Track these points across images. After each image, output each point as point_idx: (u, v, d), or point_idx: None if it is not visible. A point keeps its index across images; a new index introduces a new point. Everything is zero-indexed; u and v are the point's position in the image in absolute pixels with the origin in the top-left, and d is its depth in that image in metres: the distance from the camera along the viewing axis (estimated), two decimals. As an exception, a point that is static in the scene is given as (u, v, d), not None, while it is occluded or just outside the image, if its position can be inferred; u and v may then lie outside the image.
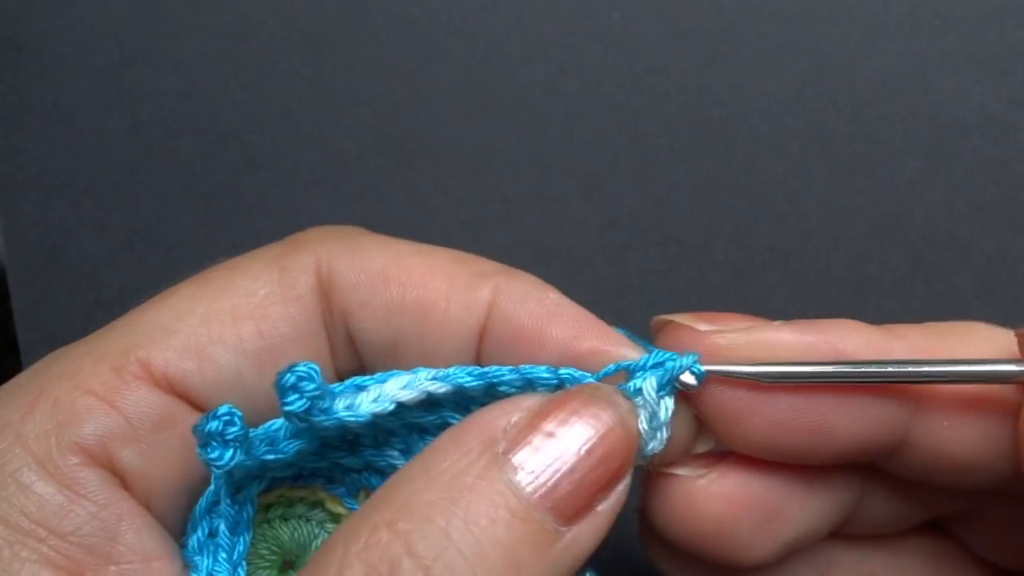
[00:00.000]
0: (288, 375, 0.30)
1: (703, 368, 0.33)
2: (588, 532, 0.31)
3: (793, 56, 0.51)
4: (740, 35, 0.51)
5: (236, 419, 0.31)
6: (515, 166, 0.52)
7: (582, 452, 0.31)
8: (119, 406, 0.32)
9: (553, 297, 0.35)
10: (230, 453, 0.31)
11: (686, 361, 0.33)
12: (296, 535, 0.36)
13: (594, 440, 0.31)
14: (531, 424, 0.31)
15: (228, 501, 0.33)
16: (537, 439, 0.30)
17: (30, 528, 0.30)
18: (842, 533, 0.37)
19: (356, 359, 0.35)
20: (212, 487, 0.33)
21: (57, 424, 0.32)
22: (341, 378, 0.34)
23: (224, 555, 0.33)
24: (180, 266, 0.54)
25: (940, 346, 0.34)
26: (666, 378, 0.33)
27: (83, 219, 0.54)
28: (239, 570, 0.34)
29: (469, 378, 0.33)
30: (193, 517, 0.33)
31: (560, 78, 0.52)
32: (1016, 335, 0.33)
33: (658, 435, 0.33)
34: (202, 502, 0.33)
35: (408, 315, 0.34)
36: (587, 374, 0.33)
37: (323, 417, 0.31)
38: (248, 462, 0.32)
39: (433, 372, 0.33)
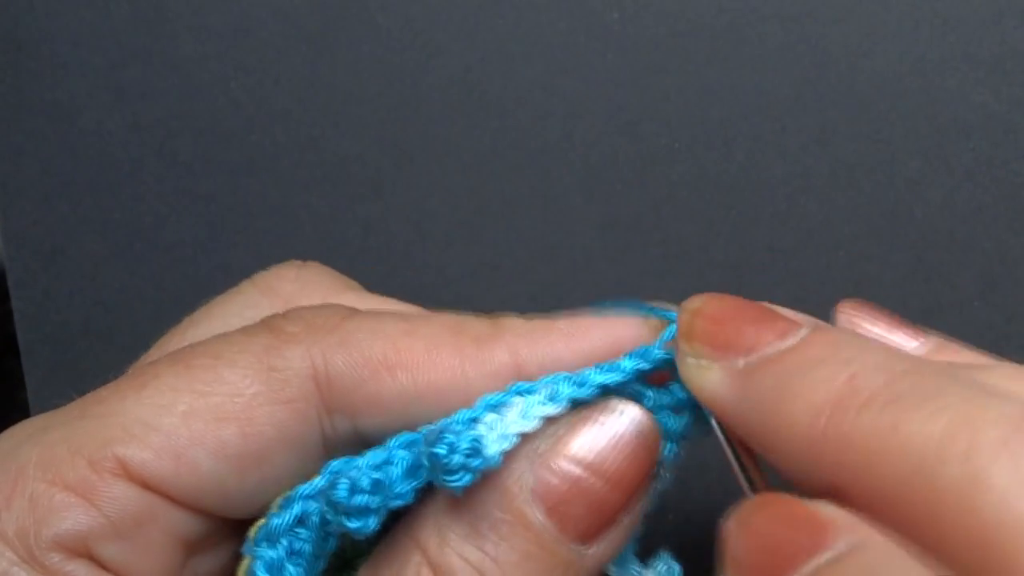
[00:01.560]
0: (454, 456, 0.30)
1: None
2: (612, 541, 0.32)
3: (793, 56, 0.51)
4: (740, 35, 0.51)
5: (382, 484, 0.31)
6: (515, 166, 0.52)
7: (608, 479, 0.31)
8: (98, 504, 0.32)
9: (561, 324, 0.34)
10: (374, 520, 0.31)
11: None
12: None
13: (619, 464, 0.31)
14: (556, 451, 0.31)
15: (320, 532, 0.33)
16: (562, 469, 0.31)
17: None
18: None
19: (360, 447, 0.34)
20: (300, 509, 0.32)
21: (35, 521, 0.31)
22: None
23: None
24: (180, 266, 0.54)
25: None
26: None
27: (83, 219, 0.54)
28: None
29: (573, 387, 0.32)
30: (271, 529, 0.33)
31: (560, 78, 0.52)
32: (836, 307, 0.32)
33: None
34: (287, 518, 0.33)
35: (426, 400, 0.33)
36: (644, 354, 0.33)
37: (475, 474, 0.30)
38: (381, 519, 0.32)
39: (546, 392, 0.32)
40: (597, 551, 0.31)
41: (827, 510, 0.27)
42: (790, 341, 0.30)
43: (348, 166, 0.53)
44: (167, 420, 0.32)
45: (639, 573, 0.34)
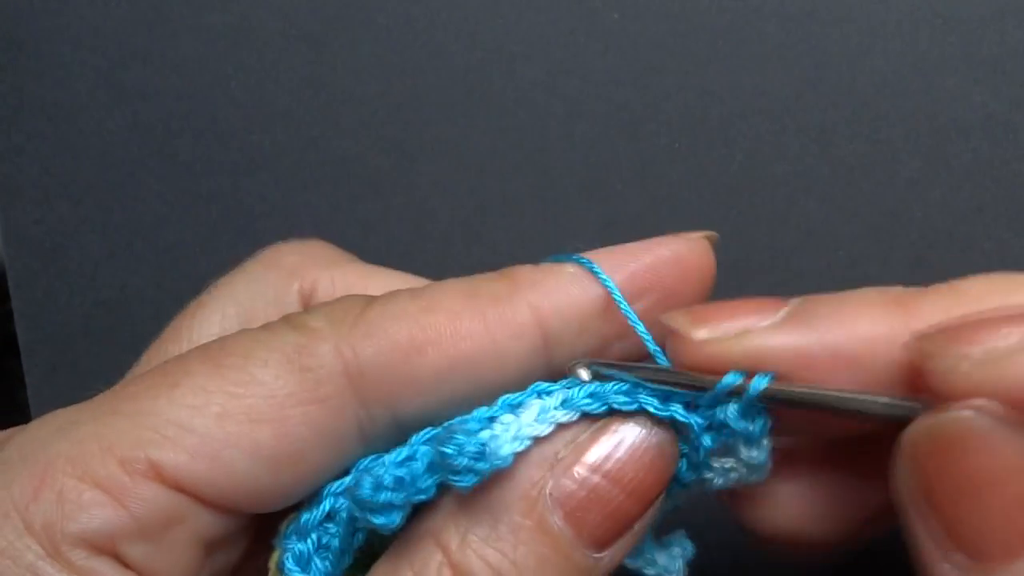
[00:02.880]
0: (461, 459, 0.30)
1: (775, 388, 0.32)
2: (622, 547, 0.32)
3: (793, 56, 0.51)
4: (740, 35, 0.51)
5: (404, 480, 0.31)
6: (515, 166, 0.52)
7: (626, 488, 0.32)
8: (126, 504, 0.32)
9: (571, 269, 0.34)
10: (398, 515, 0.31)
11: (761, 383, 0.32)
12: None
13: (635, 474, 0.32)
14: (574, 460, 0.32)
15: (349, 528, 0.33)
16: (581, 476, 0.31)
17: None
18: None
19: (399, 437, 0.34)
20: (329, 505, 0.33)
21: (63, 516, 0.31)
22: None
23: (331, 571, 0.33)
24: (180, 266, 0.54)
25: (953, 306, 0.32)
26: (750, 412, 0.33)
27: (83, 219, 0.54)
28: None
29: (589, 400, 0.32)
30: (301, 525, 0.33)
31: (560, 78, 0.52)
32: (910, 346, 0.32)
33: (761, 450, 0.33)
34: (317, 513, 0.33)
35: (459, 372, 0.33)
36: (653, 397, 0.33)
37: (481, 476, 0.31)
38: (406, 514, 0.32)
39: (561, 396, 0.32)
40: (609, 557, 0.32)
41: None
42: (795, 301, 0.33)
43: (348, 166, 0.53)
44: (201, 422, 0.32)
45: (652, 556, 0.35)
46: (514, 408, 0.32)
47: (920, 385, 0.30)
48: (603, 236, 0.52)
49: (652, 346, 0.34)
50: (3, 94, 0.54)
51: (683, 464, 0.34)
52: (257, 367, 0.33)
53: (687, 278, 0.35)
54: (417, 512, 0.33)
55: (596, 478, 0.31)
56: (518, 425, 0.32)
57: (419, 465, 0.32)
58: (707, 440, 0.33)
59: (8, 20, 0.54)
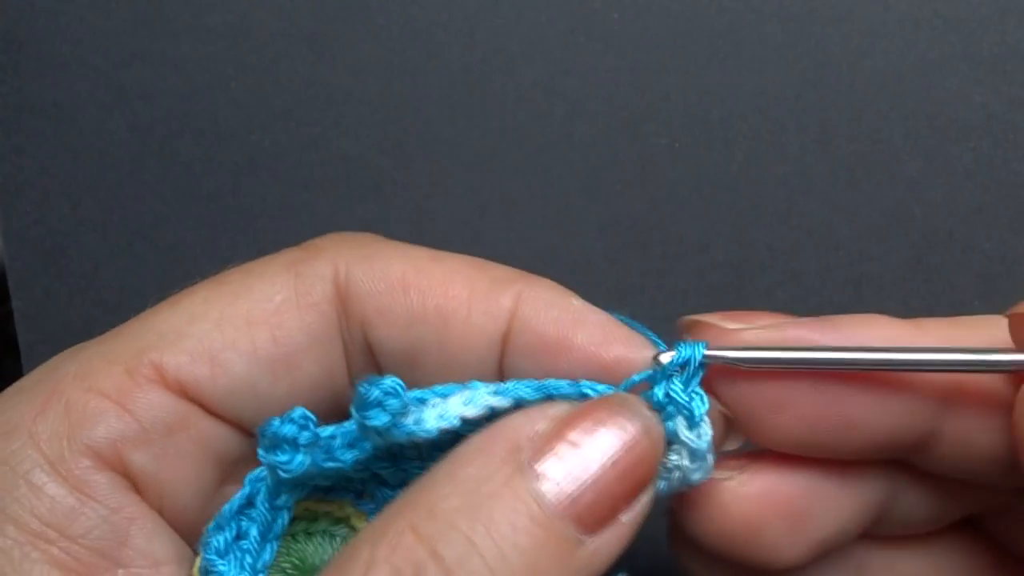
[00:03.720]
0: (373, 389, 0.30)
1: (712, 353, 0.33)
2: (610, 541, 0.31)
3: (793, 56, 0.51)
4: (740, 35, 0.51)
5: (311, 424, 0.31)
6: (515, 166, 0.52)
7: (606, 463, 0.31)
8: (131, 409, 0.32)
9: (576, 304, 0.35)
10: (300, 458, 0.31)
11: (696, 350, 0.33)
12: (319, 551, 0.35)
13: (619, 451, 0.31)
14: (557, 433, 0.31)
15: (266, 505, 0.33)
16: (562, 448, 0.31)
17: (40, 530, 0.30)
18: (874, 533, 0.37)
19: (373, 366, 0.35)
20: (249, 488, 0.33)
21: (69, 426, 0.32)
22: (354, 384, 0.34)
23: (249, 561, 0.33)
24: (180, 266, 0.54)
25: (965, 336, 0.34)
26: (690, 375, 0.33)
27: (83, 219, 0.54)
28: None
29: (528, 390, 0.32)
30: (221, 516, 0.33)
31: (560, 78, 0.52)
32: (1009, 317, 0.33)
33: (701, 436, 0.33)
34: (235, 502, 0.33)
35: (428, 323, 0.34)
36: (610, 387, 0.33)
37: (397, 432, 0.31)
38: (310, 469, 0.32)
39: (494, 387, 0.32)
40: (594, 547, 0.31)
41: None
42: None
43: (348, 166, 0.53)
44: (200, 327, 0.33)
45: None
46: (443, 396, 0.32)
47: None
48: (603, 236, 0.52)
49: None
50: (3, 94, 0.54)
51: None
52: (255, 279, 0.35)
53: None
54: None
55: (577, 449, 0.31)
56: (446, 404, 0.32)
57: (339, 437, 0.32)
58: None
59: (8, 20, 0.54)
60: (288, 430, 0.31)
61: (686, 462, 0.33)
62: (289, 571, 0.35)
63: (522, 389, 0.32)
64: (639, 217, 0.52)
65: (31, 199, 0.54)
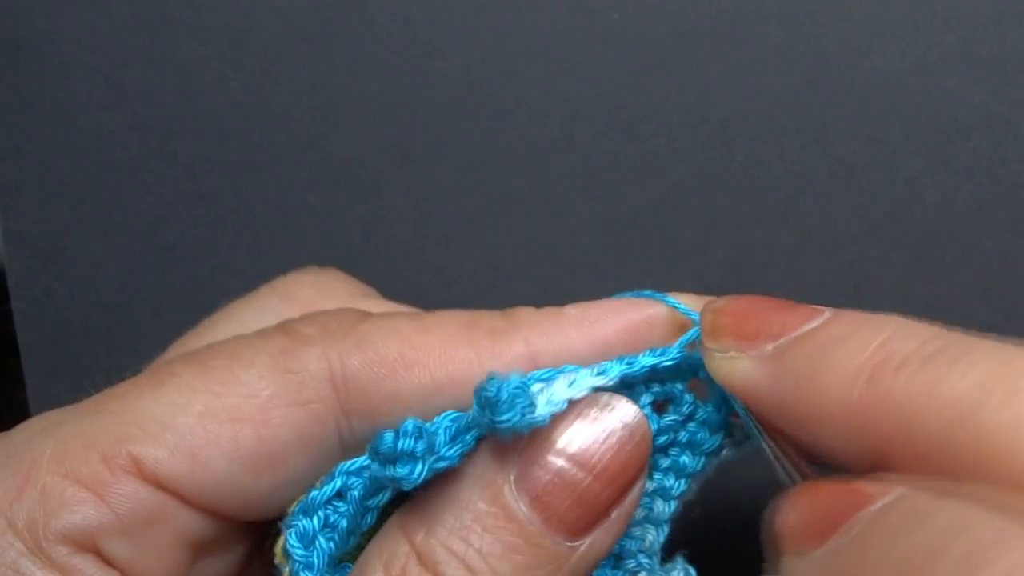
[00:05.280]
0: (503, 390, 0.30)
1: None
2: (603, 537, 0.32)
3: (793, 56, 0.51)
4: (740, 35, 0.51)
5: (425, 431, 0.31)
6: (515, 166, 0.52)
7: (592, 471, 0.31)
8: (108, 500, 0.32)
9: (572, 311, 0.35)
10: (420, 468, 0.31)
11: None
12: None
13: (604, 457, 0.31)
14: (541, 446, 0.31)
15: (361, 505, 0.33)
16: (546, 461, 0.31)
17: None
18: None
19: None
20: (340, 481, 0.32)
21: (45, 513, 0.31)
22: None
23: (333, 553, 0.33)
24: (180, 266, 0.54)
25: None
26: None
27: (83, 219, 0.54)
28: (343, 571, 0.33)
29: (628, 367, 0.33)
30: (308, 502, 0.33)
31: (560, 78, 0.52)
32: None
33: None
34: (325, 491, 0.33)
35: (444, 395, 0.33)
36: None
37: (522, 427, 0.31)
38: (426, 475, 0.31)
39: (596, 367, 0.33)
40: (587, 547, 0.31)
41: (869, 484, 0.27)
42: (815, 322, 0.31)
43: (348, 166, 0.53)
44: (183, 419, 0.33)
45: None
46: (544, 380, 0.32)
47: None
48: (603, 236, 0.52)
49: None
50: (3, 94, 0.54)
51: (698, 461, 0.34)
52: (242, 368, 0.33)
53: None
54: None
55: (560, 462, 0.31)
56: (551, 390, 0.31)
57: (442, 432, 0.31)
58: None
59: (8, 20, 0.54)
60: (406, 445, 0.30)
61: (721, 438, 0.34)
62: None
63: (623, 367, 0.33)
64: (639, 217, 0.52)
65: (31, 199, 0.54)
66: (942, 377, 0.27)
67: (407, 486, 0.31)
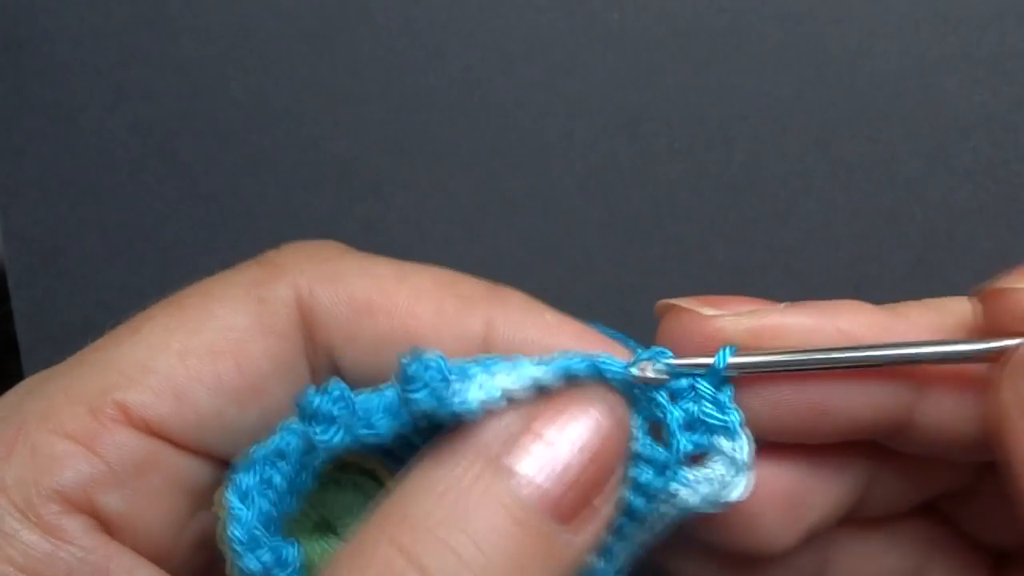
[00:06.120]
0: (414, 364, 0.29)
1: (737, 360, 0.32)
2: (589, 529, 0.31)
3: (793, 56, 0.51)
4: (740, 35, 0.51)
5: (347, 396, 0.30)
6: (515, 166, 0.52)
7: (575, 452, 0.30)
8: (99, 451, 0.32)
9: (550, 319, 0.34)
10: (336, 432, 0.30)
11: (722, 357, 0.32)
12: (342, 499, 0.35)
13: (586, 438, 0.31)
14: (524, 428, 0.31)
15: (298, 463, 0.32)
16: (531, 442, 0.30)
17: None
18: (848, 517, 0.37)
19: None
20: (280, 439, 0.32)
21: (36, 471, 0.31)
22: None
23: (269, 510, 0.32)
24: (180, 266, 0.54)
25: (939, 321, 0.34)
26: (717, 384, 0.33)
27: (83, 219, 0.54)
28: (276, 527, 0.32)
29: (575, 362, 0.32)
30: (249, 458, 0.32)
31: (560, 78, 0.52)
32: (977, 296, 0.33)
33: (740, 448, 0.33)
34: (266, 447, 0.32)
35: (397, 347, 0.33)
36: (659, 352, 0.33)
37: (441, 410, 0.30)
38: (348, 442, 0.31)
39: (538, 358, 0.31)
40: (576, 537, 0.31)
41: None
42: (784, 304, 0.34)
43: (348, 166, 0.53)
44: (163, 360, 0.33)
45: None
46: (486, 366, 0.31)
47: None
48: (603, 236, 0.52)
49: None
50: (3, 94, 0.54)
51: (649, 472, 0.32)
52: (215, 303, 0.34)
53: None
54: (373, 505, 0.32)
55: (547, 441, 0.30)
56: (489, 378, 0.30)
57: (376, 400, 0.31)
58: (684, 441, 0.32)
59: (8, 20, 0.54)
60: (326, 406, 0.30)
61: (723, 473, 0.32)
62: (308, 512, 0.34)
63: (569, 361, 0.31)
64: (639, 217, 0.52)
65: (31, 199, 0.54)
66: None
67: (323, 448, 0.31)
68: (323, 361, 0.34)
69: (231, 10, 0.54)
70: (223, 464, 0.34)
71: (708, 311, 0.34)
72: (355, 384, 0.33)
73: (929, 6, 0.50)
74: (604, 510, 0.31)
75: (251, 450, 0.32)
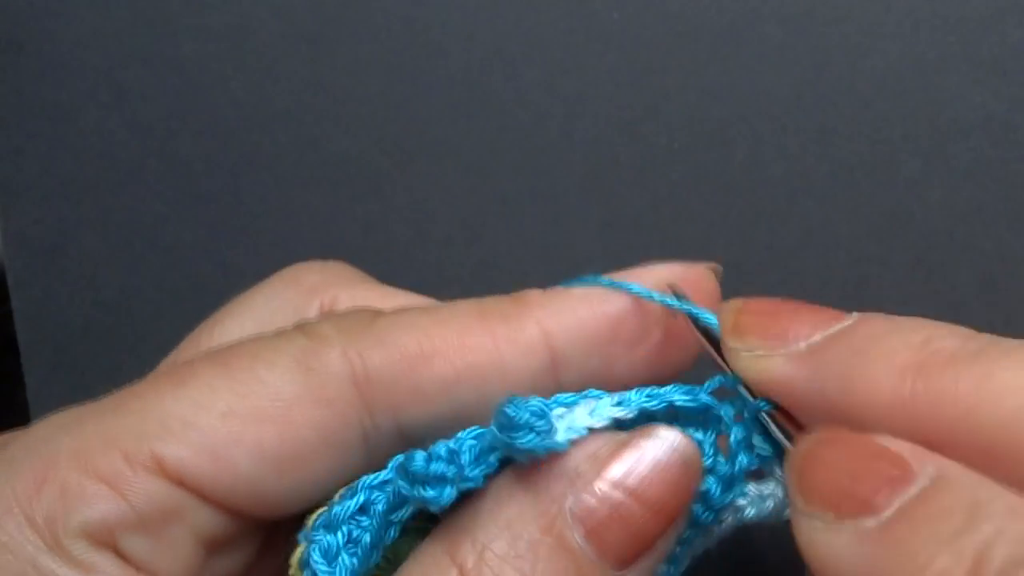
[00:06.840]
0: (522, 412, 0.30)
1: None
2: (645, 566, 0.32)
3: (793, 56, 0.51)
4: (740, 35, 0.51)
5: (457, 458, 0.31)
6: (515, 166, 0.52)
7: (645, 501, 0.31)
8: (127, 496, 0.32)
9: (578, 291, 0.35)
10: (450, 491, 0.30)
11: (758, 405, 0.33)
12: (412, 547, 0.34)
13: (657, 489, 0.31)
14: (596, 473, 0.31)
15: (384, 519, 0.33)
16: (602, 490, 0.31)
17: None
18: None
19: (404, 446, 0.34)
20: (364, 496, 0.32)
21: (64, 509, 0.31)
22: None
23: (356, 568, 0.32)
24: (180, 266, 0.54)
25: None
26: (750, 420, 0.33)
27: (83, 219, 0.54)
28: None
29: (650, 401, 0.33)
30: (333, 517, 0.32)
31: (560, 78, 0.52)
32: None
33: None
34: (349, 506, 0.32)
35: (466, 385, 0.33)
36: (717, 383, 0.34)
37: (540, 450, 0.30)
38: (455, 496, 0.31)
39: (617, 397, 0.32)
40: (631, 574, 0.31)
41: (899, 444, 0.28)
42: (847, 322, 0.31)
43: (348, 166, 0.53)
44: (206, 419, 0.32)
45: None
46: (567, 405, 0.32)
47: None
48: (603, 236, 0.52)
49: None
50: (3, 94, 0.54)
51: (714, 485, 0.33)
52: (264, 368, 0.33)
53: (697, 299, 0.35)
54: (434, 529, 0.33)
55: (617, 494, 0.31)
56: (572, 417, 0.31)
57: (467, 453, 0.31)
58: (743, 458, 0.33)
59: (8, 20, 0.54)
60: (438, 468, 0.30)
61: (781, 495, 0.33)
62: (383, 566, 0.34)
63: (643, 400, 0.32)
64: (639, 217, 0.52)
65: (31, 199, 0.54)
66: (996, 370, 0.27)
67: (435, 508, 0.31)
68: (385, 424, 0.34)
69: (231, 10, 0.54)
70: (248, 518, 0.34)
71: (731, 342, 0.33)
72: (425, 435, 0.33)
73: (929, 6, 0.50)
74: (666, 545, 0.32)
75: (330, 508, 0.33)
